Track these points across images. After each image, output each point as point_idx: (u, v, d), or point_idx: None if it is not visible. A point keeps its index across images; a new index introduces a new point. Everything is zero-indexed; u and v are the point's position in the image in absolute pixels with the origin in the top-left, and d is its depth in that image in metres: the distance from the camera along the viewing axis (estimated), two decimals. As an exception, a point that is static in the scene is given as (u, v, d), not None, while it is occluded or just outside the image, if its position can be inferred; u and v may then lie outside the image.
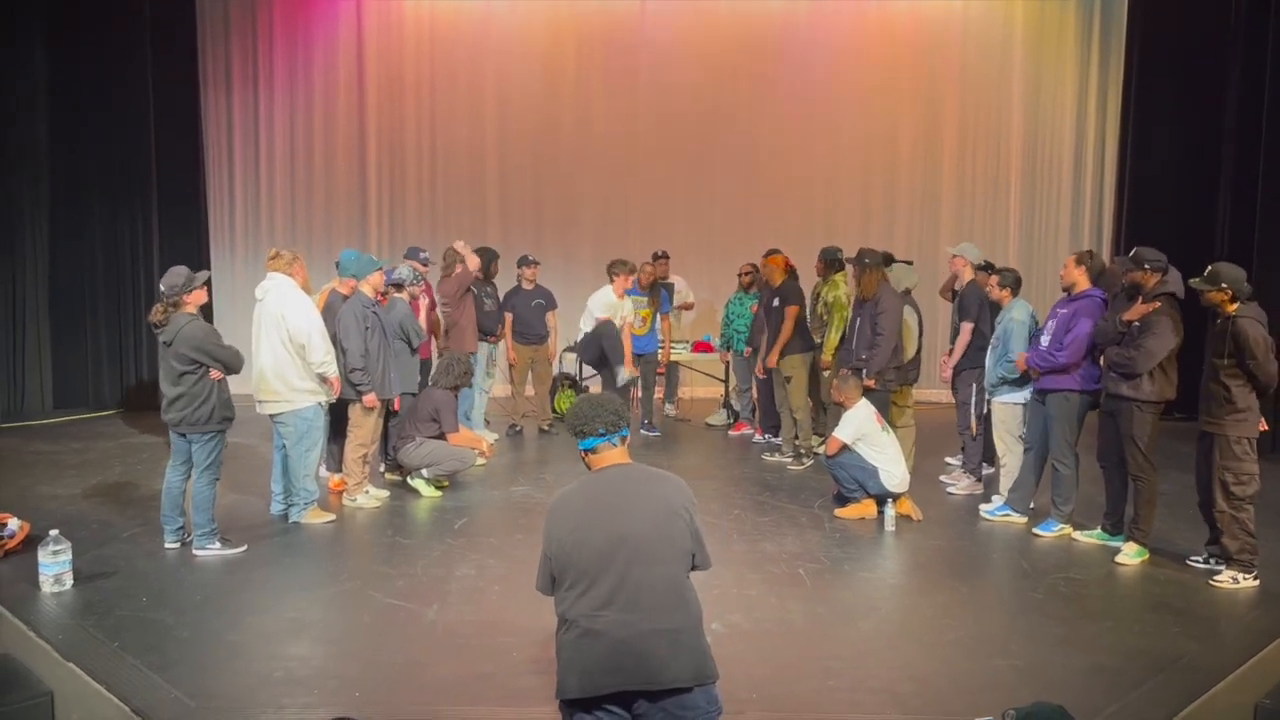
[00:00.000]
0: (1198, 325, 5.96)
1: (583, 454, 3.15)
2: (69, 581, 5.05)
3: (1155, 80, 10.53)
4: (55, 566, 5.00)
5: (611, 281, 8.79)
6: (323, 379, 6.22)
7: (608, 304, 8.71)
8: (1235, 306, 5.18)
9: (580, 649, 2.86)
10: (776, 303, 8.01)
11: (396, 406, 7.17)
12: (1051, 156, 11.65)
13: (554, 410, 9.63)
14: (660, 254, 9.90)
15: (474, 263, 8.39)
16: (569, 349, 9.79)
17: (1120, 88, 11.10)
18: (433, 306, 8.47)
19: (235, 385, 5.88)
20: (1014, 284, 6.68)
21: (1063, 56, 11.50)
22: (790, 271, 8.20)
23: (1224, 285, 5.17)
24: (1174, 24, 10.29)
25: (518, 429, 9.31)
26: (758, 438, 9.03)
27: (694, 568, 3.06)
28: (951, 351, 7.31)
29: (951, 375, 7.29)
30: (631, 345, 8.85)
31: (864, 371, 6.99)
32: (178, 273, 5.63)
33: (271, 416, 6.24)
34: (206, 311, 5.79)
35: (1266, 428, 5.41)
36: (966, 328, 7.08)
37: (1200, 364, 5.51)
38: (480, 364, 8.69)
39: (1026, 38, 11.52)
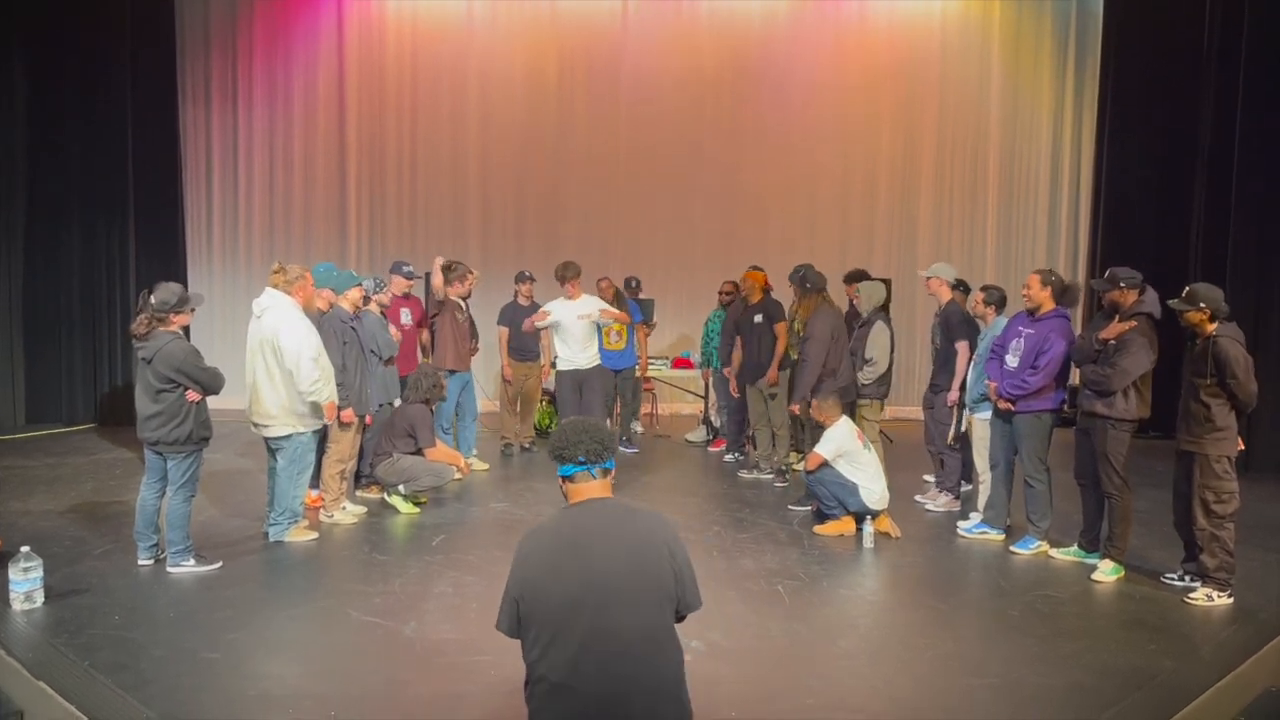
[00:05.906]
0: (1173, 345, 6.01)
1: (560, 480, 2.96)
2: (40, 599, 4.97)
3: (1130, 98, 10.69)
4: (26, 584, 4.93)
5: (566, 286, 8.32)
6: (314, 404, 6.07)
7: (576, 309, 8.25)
8: (1214, 326, 5.22)
9: (550, 706, 2.69)
10: (759, 319, 8.00)
11: (369, 421, 7.08)
12: (1028, 174, 11.80)
13: (535, 427, 9.58)
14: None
15: (437, 282, 8.22)
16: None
17: (1095, 106, 11.30)
18: (422, 320, 8.38)
19: (220, 401, 5.81)
20: (999, 302, 6.73)
21: (1039, 76, 11.67)
22: (767, 289, 8.19)
23: (1202, 305, 5.21)
24: (1149, 43, 10.45)
25: (510, 452, 9.15)
26: (729, 457, 8.95)
27: (681, 613, 2.86)
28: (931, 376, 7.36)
29: (932, 393, 7.30)
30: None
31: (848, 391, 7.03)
32: (171, 289, 5.51)
33: (266, 439, 6.14)
34: (185, 328, 5.70)
35: (1243, 446, 5.45)
36: (963, 346, 7.04)
37: (1176, 383, 5.56)
38: (453, 391, 8.26)
39: (1003, 57, 11.68)
